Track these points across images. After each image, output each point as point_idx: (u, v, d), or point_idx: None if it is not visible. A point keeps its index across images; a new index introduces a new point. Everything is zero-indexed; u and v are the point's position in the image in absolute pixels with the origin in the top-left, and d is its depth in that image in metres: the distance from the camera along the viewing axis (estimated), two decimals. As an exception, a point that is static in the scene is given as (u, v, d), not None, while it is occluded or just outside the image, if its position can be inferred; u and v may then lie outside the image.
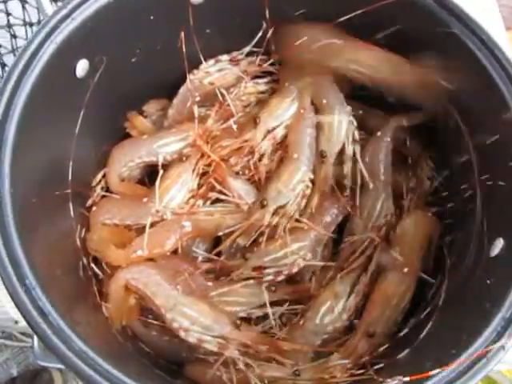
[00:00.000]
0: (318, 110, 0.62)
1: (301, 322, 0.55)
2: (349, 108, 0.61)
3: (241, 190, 0.59)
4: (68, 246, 0.53)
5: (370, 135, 0.63)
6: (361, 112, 0.64)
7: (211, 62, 0.63)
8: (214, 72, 0.63)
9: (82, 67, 0.50)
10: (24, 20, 0.80)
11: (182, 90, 0.63)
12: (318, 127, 0.61)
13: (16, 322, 0.84)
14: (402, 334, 0.53)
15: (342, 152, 0.60)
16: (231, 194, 0.59)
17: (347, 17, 0.54)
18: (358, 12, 0.53)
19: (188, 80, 0.62)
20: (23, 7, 0.79)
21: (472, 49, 0.50)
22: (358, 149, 0.60)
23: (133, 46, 0.56)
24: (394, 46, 0.56)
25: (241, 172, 0.61)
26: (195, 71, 0.63)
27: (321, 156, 0.59)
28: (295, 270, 0.57)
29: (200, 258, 0.60)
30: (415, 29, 0.53)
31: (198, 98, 0.63)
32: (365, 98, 0.65)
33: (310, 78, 0.62)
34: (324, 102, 0.61)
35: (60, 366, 0.64)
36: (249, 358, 0.51)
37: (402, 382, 0.39)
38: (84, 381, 0.39)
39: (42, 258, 0.43)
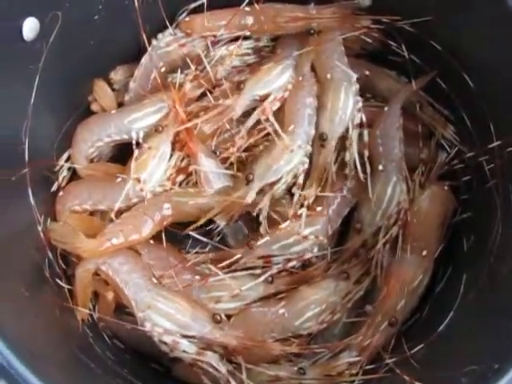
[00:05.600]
0: (320, 86, 0.54)
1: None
2: (357, 86, 0.52)
3: (209, 169, 0.51)
4: (28, 244, 0.46)
5: (379, 101, 0.55)
6: (368, 73, 0.55)
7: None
8: (180, 37, 0.54)
9: (29, 27, 0.42)
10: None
11: (144, 61, 0.55)
12: (320, 105, 0.53)
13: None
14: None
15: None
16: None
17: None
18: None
19: (150, 48, 0.54)
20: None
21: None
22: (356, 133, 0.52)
23: (94, 1, 0.47)
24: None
25: (218, 152, 0.53)
26: (160, 35, 0.54)
27: (320, 139, 0.51)
28: (307, 256, 0.50)
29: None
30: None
31: (163, 69, 0.55)
32: (370, 56, 0.57)
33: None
34: (328, 76, 0.53)
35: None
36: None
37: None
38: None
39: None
